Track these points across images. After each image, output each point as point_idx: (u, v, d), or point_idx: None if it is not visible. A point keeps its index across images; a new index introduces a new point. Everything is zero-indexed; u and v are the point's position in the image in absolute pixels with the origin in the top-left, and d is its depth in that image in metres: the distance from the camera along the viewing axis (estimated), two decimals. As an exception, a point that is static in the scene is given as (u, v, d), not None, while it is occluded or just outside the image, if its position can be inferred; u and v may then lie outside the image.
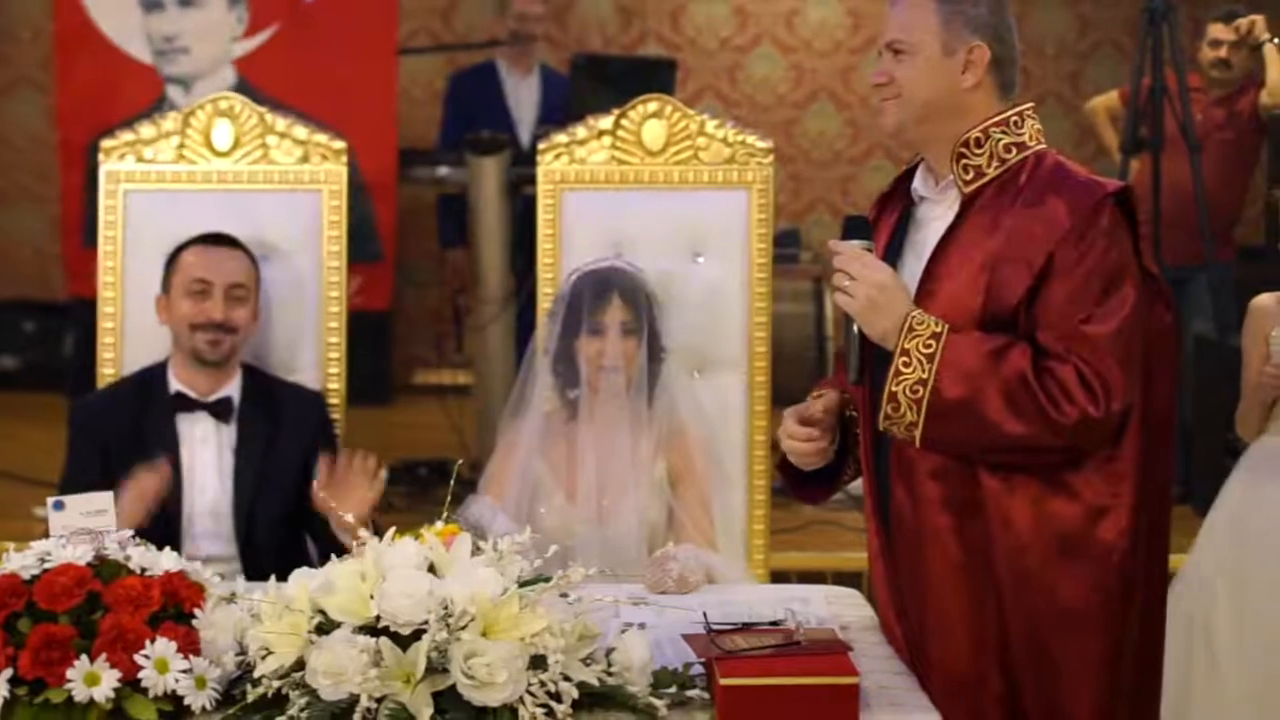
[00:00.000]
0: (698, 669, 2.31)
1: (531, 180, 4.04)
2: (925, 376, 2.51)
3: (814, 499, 2.97)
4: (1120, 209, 2.57)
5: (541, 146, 3.82)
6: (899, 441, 2.61)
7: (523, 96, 6.57)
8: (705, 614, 2.40)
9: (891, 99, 2.66)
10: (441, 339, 8.00)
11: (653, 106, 3.80)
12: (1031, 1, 8.72)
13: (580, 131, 3.79)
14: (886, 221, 2.76)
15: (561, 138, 3.80)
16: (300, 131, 3.84)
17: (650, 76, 5.87)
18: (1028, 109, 2.66)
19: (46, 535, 2.37)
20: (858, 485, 6.17)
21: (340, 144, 3.85)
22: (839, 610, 2.77)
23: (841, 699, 2.20)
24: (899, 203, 2.77)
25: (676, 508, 3.35)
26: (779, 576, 3.99)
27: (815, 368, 6.65)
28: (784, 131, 8.73)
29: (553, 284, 3.71)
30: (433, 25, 8.59)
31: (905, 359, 2.53)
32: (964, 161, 2.62)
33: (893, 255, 2.69)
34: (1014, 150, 2.62)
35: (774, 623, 2.41)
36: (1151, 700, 2.67)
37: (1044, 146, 2.65)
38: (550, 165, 3.78)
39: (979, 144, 2.62)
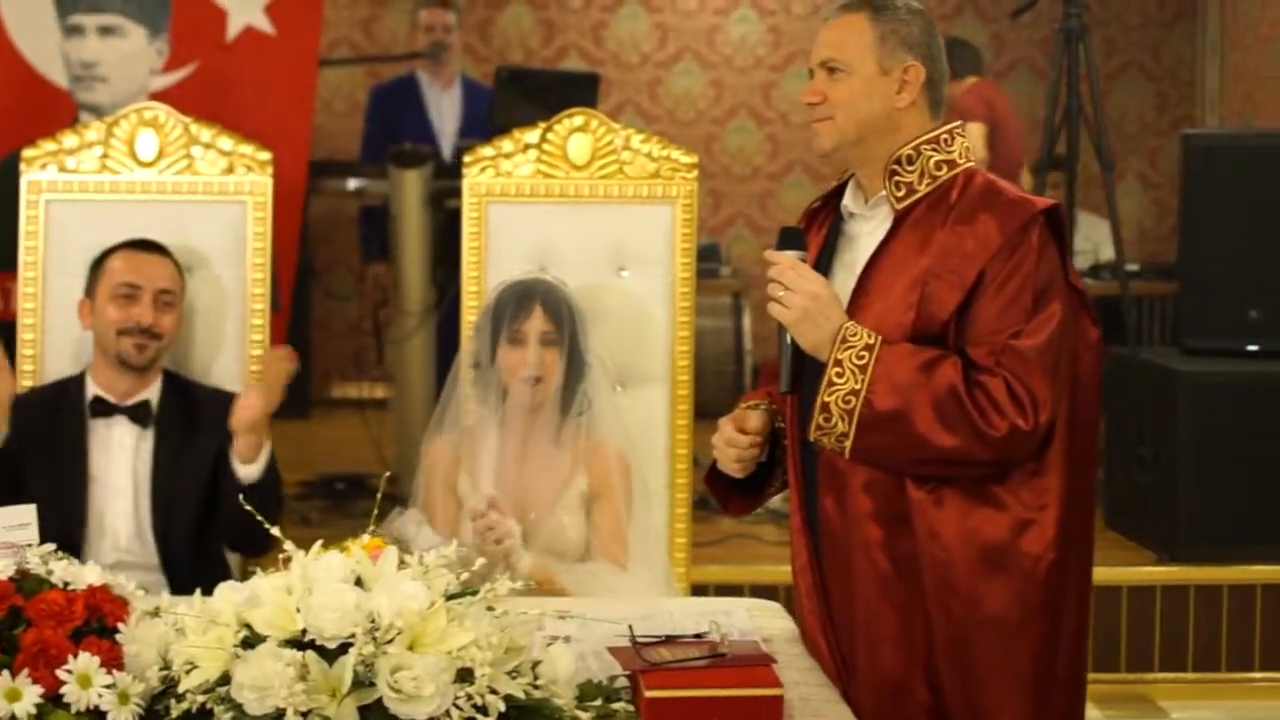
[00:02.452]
0: (623, 681, 2.32)
1: (454, 193, 4.04)
2: (858, 387, 2.54)
3: (740, 511, 2.98)
4: (1049, 226, 2.62)
5: (467, 159, 3.82)
6: (828, 454, 2.63)
7: (444, 109, 6.57)
8: (630, 627, 2.41)
9: (825, 119, 2.67)
10: (361, 352, 7.98)
11: (578, 120, 3.81)
12: (947, 21, 8.81)
13: (506, 145, 3.80)
14: (815, 236, 2.78)
15: (487, 150, 3.81)
16: (225, 143, 3.82)
17: (574, 91, 5.86)
18: (956, 127, 2.70)
19: (-33, 549, 2.35)
20: (777, 499, 6.22)
21: (265, 155, 3.84)
22: (761, 623, 2.79)
23: (766, 710, 2.22)
24: (827, 218, 2.80)
25: (590, 527, 3.36)
26: (699, 589, 4.01)
27: (735, 381, 6.68)
28: (704, 147, 8.78)
29: (477, 296, 3.72)
30: (354, 37, 8.57)
31: (838, 369, 2.55)
32: (896, 179, 2.66)
33: (822, 270, 2.71)
34: (944, 168, 2.66)
35: (698, 635, 2.42)
36: (1076, 712, 2.70)
37: (973, 164, 2.69)
38: (476, 178, 3.79)
39: (910, 161, 2.65)
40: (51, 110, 5.23)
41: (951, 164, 2.66)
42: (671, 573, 3.62)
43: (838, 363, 2.55)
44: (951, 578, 2.56)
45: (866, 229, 2.71)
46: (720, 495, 2.93)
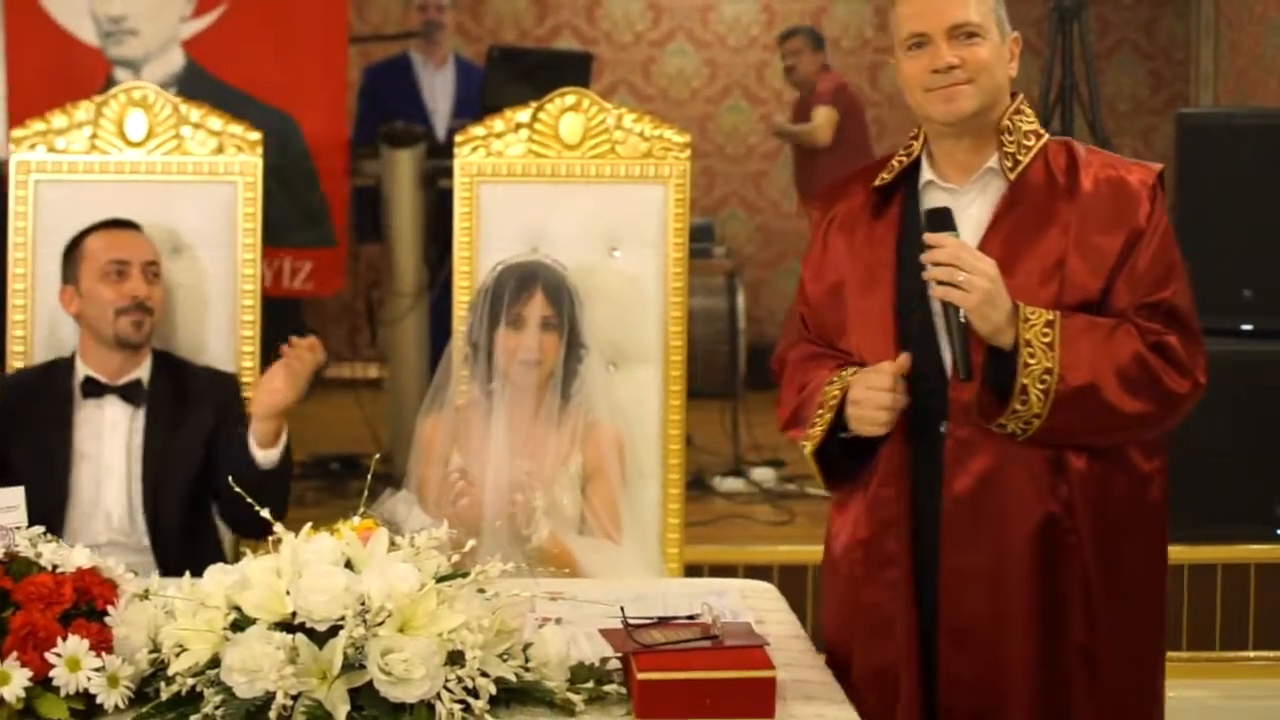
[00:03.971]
0: (614, 663, 2.31)
1: (447, 173, 4.02)
2: (1051, 365, 2.50)
3: (841, 486, 2.79)
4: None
5: (458, 139, 3.80)
6: (962, 433, 2.58)
7: (437, 89, 6.55)
8: (622, 608, 2.40)
9: (965, 82, 2.60)
10: (355, 332, 7.96)
11: (570, 100, 3.80)
12: None
13: (497, 124, 3.78)
14: (889, 211, 2.72)
15: (479, 130, 3.79)
16: (215, 123, 3.80)
17: (566, 70, 5.86)
18: (1022, 100, 2.70)
19: (-45, 532, 2.34)
20: (769, 478, 6.19)
21: (255, 135, 3.81)
22: (754, 604, 2.79)
23: (758, 692, 2.21)
24: (895, 194, 2.73)
25: (585, 504, 3.37)
26: (692, 570, 4.01)
27: (729, 361, 6.66)
28: (698, 126, 8.77)
29: (469, 277, 3.71)
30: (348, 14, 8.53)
31: (1029, 350, 2.50)
32: (1004, 149, 2.64)
33: (913, 246, 2.62)
34: (1032, 138, 2.65)
35: (690, 617, 2.41)
36: None
37: (1048, 136, 2.69)
38: (467, 158, 3.77)
39: (1010, 132, 2.64)
40: (85, 70, 5.22)
41: (1037, 134, 2.67)
42: (662, 551, 3.63)
43: (1027, 343, 2.50)
44: (1102, 542, 2.58)
45: (964, 203, 2.65)
46: (827, 469, 2.77)
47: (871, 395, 2.60)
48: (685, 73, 8.96)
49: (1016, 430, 2.53)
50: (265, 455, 3.42)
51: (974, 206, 2.65)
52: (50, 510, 3.38)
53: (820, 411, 2.68)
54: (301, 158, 5.19)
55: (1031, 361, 2.49)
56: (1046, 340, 2.50)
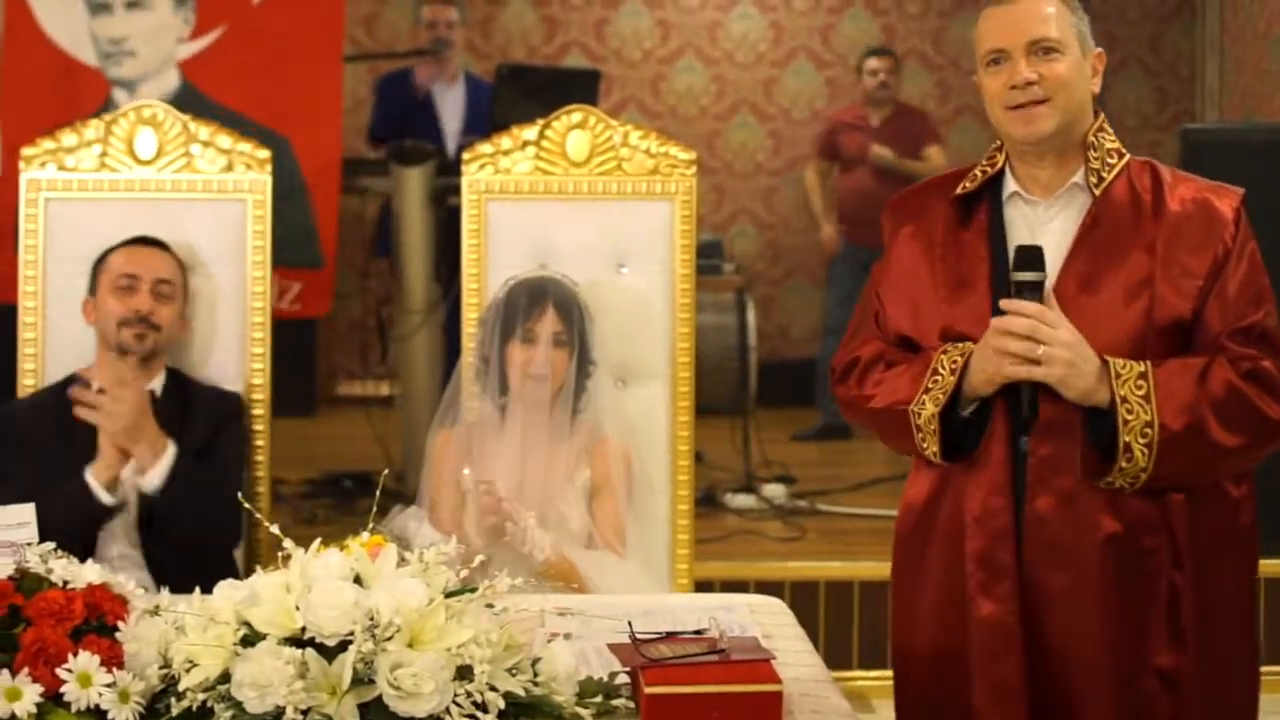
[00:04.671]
0: (623, 678, 2.32)
1: (455, 190, 4.04)
2: (1150, 418, 2.49)
3: (959, 457, 2.68)
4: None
5: (466, 156, 3.82)
6: (1043, 450, 2.56)
7: (448, 105, 6.56)
8: (630, 623, 2.41)
9: (1042, 100, 2.60)
10: (366, 350, 7.98)
11: (577, 117, 3.81)
12: (945, 17, 8.80)
13: (505, 141, 3.80)
14: (975, 220, 2.71)
15: (486, 148, 3.81)
16: (224, 140, 3.82)
17: (574, 87, 5.87)
18: (1104, 119, 2.69)
19: (-33, 548, 2.35)
20: (780, 495, 6.17)
21: (264, 153, 3.84)
22: (763, 619, 2.79)
23: (765, 706, 2.22)
24: (978, 204, 2.72)
25: (590, 517, 3.37)
26: (703, 586, 4.01)
27: (739, 378, 6.67)
28: (706, 143, 8.79)
29: (478, 294, 3.72)
30: (355, 34, 8.57)
31: (1126, 406, 2.49)
32: (1089, 165, 2.64)
33: (1004, 258, 2.62)
34: (1115, 156, 2.65)
35: (698, 631, 2.42)
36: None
37: (1129, 155, 2.68)
38: (475, 175, 3.79)
39: (1094, 148, 2.64)
40: (84, 90, 5.26)
41: (1120, 152, 2.66)
42: (671, 567, 3.64)
43: (1123, 399, 2.49)
44: (1191, 568, 2.56)
45: (1047, 217, 2.66)
46: (946, 440, 2.65)
47: (990, 349, 2.54)
48: (694, 90, 8.97)
49: (1125, 485, 2.53)
50: (143, 480, 3.45)
51: (1057, 221, 2.65)
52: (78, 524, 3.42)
53: (938, 376, 2.62)
54: (292, 178, 5.21)
55: (1130, 418, 2.48)
56: (1141, 393, 2.49)
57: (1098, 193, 2.62)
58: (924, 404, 2.62)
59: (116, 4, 5.32)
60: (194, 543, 3.41)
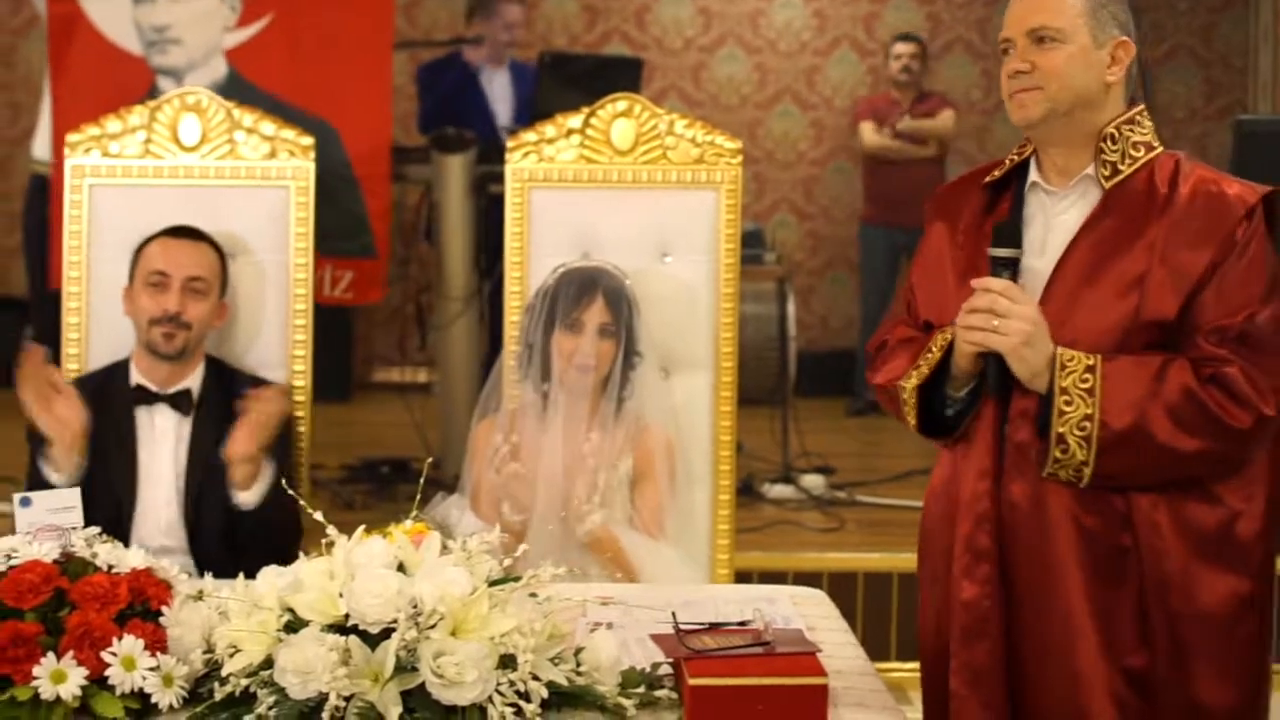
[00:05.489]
0: (666, 669, 2.31)
1: (497, 178, 4.02)
2: (1090, 411, 2.47)
3: (947, 434, 2.72)
4: (1266, 211, 2.58)
5: (510, 144, 3.81)
6: (1019, 437, 2.56)
7: (495, 88, 6.54)
8: (674, 614, 2.40)
9: (1032, 89, 2.59)
10: (404, 337, 7.98)
11: (622, 105, 3.80)
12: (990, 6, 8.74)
13: (549, 130, 3.79)
14: (997, 210, 2.70)
15: (530, 136, 3.80)
16: (268, 127, 3.82)
17: (617, 75, 5.86)
18: (1141, 111, 2.66)
19: (13, 532, 2.35)
20: (818, 485, 6.16)
21: (308, 140, 3.83)
22: (805, 611, 2.78)
23: (810, 699, 2.21)
24: (1006, 192, 2.72)
25: (631, 505, 3.37)
26: (742, 576, 4.00)
27: (779, 368, 6.65)
28: (748, 132, 8.76)
29: (520, 282, 3.71)
30: (396, 22, 8.55)
31: (1065, 398, 2.48)
32: (1102, 156, 2.61)
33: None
34: (1141, 149, 2.62)
35: (742, 623, 2.41)
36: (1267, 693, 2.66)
37: (1162, 149, 2.65)
38: (519, 163, 3.78)
39: (1113, 140, 2.61)
40: (129, 79, 5.27)
41: (1149, 146, 2.63)
42: (712, 557, 3.63)
43: (1063, 390, 2.48)
44: (1167, 571, 2.51)
45: (1061, 207, 2.65)
46: (926, 415, 2.71)
47: (972, 319, 2.55)
48: (735, 78, 8.95)
49: (1070, 478, 2.51)
50: (244, 496, 3.45)
51: (1070, 211, 2.64)
52: (122, 514, 3.45)
53: (929, 353, 2.66)
54: (342, 167, 5.21)
55: (1069, 410, 2.47)
56: (1086, 386, 2.47)
57: (1107, 186, 2.60)
58: (910, 377, 2.68)
59: None
60: (281, 548, 3.39)
